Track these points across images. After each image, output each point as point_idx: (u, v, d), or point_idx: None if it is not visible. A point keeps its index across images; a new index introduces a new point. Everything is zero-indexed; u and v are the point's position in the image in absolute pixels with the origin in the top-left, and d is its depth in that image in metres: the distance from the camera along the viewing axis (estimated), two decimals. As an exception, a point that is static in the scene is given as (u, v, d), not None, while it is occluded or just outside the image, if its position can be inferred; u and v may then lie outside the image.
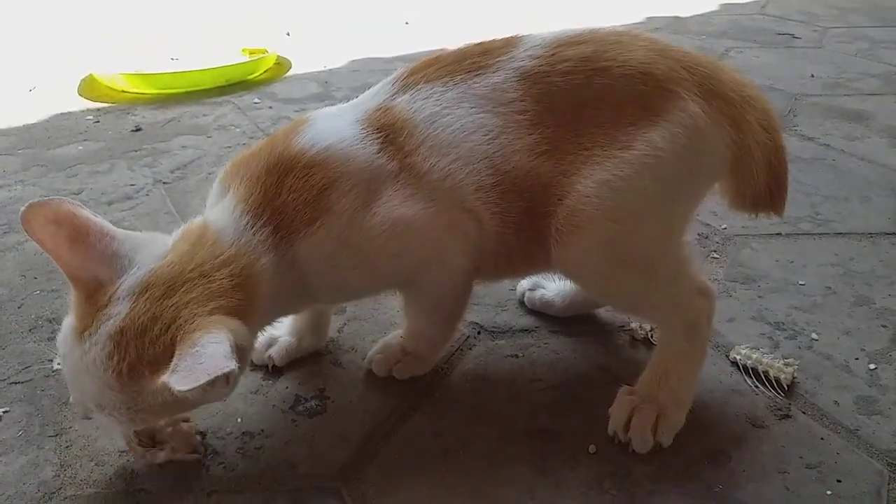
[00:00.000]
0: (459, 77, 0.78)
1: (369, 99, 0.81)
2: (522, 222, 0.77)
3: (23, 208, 0.68)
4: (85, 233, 0.69)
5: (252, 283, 0.72)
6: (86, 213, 0.70)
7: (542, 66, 0.76)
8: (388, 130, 0.77)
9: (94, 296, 0.69)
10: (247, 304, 0.71)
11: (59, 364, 0.95)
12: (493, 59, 0.78)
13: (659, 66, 0.76)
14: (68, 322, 0.71)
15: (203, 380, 0.59)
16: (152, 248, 0.72)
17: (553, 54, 0.77)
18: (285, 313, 0.86)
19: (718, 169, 0.79)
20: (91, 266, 0.69)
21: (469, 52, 0.80)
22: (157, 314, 0.67)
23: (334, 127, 0.78)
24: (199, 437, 0.82)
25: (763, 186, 0.80)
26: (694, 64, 0.78)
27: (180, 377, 0.61)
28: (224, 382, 0.63)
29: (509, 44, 0.80)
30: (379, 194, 0.75)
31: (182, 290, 0.68)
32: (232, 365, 0.61)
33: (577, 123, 0.75)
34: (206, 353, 0.62)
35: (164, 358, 0.65)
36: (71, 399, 0.75)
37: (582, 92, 0.75)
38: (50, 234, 0.69)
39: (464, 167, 0.75)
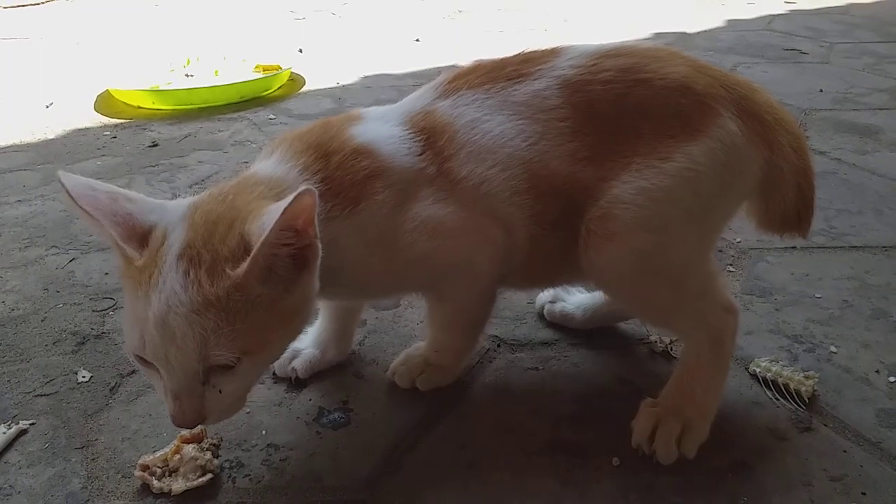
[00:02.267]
0: (500, 84, 0.79)
1: (412, 102, 0.83)
2: (559, 222, 0.78)
3: (60, 176, 0.67)
4: (117, 193, 0.69)
5: None
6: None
7: (583, 74, 0.78)
8: (429, 133, 0.78)
9: (144, 245, 0.67)
10: None
11: (83, 377, 0.96)
12: (534, 67, 0.80)
13: (698, 81, 0.77)
14: (127, 300, 0.68)
15: (276, 215, 0.60)
16: (184, 199, 0.73)
17: (594, 64, 0.78)
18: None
19: (751, 187, 0.80)
20: (135, 215, 0.67)
21: (510, 60, 0.82)
22: (218, 217, 0.66)
23: (383, 124, 0.80)
24: (209, 455, 0.81)
25: (792, 208, 0.81)
26: (731, 83, 0.79)
27: (265, 223, 0.61)
28: (310, 222, 0.63)
29: (550, 54, 0.81)
30: (415, 195, 0.77)
31: (228, 200, 0.69)
32: (299, 190, 0.60)
33: (617, 132, 0.76)
34: (273, 207, 0.64)
35: (240, 251, 0.64)
36: (170, 383, 0.66)
37: (623, 102, 0.77)
38: (89, 197, 0.66)
39: (501, 173, 0.77)
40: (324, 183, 0.74)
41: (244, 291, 0.64)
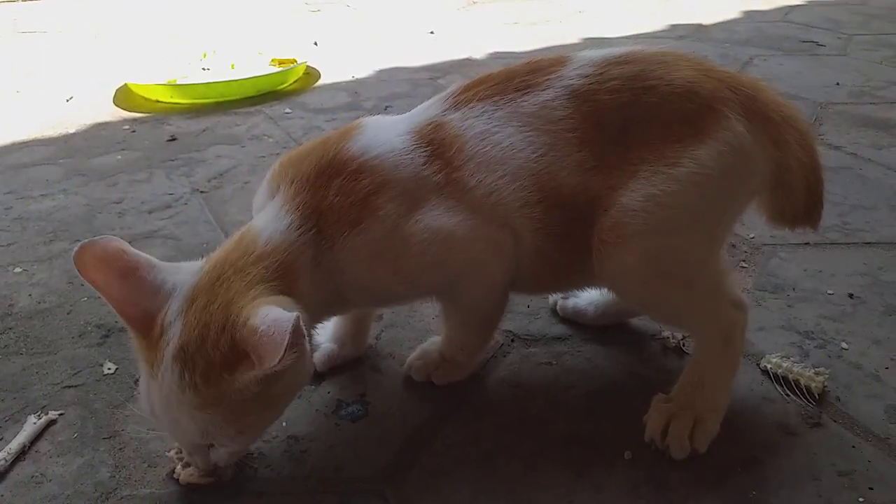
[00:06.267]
0: (509, 95, 0.80)
1: (421, 113, 0.84)
2: (566, 234, 0.79)
3: (74, 250, 0.70)
4: (135, 267, 0.72)
5: (291, 275, 0.74)
6: (132, 248, 0.73)
7: (591, 84, 0.79)
8: (436, 145, 0.80)
9: (150, 331, 0.71)
10: (288, 294, 0.73)
11: (109, 369, 0.99)
12: (543, 77, 0.81)
13: (704, 85, 0.78)
14: (140, 372, 0.74)
15: (283, 341, 0.62)
16: (189, 267, 0.75)
17: (602, 73, 0.79)
18: (321, 317, 0.87)
19: (759, 186, 0.81)
20: (141, 299, 0.71)
21: (518, 70, 0.83)
22: (208, 320, 0.69)
23: (385, 136, 0.81)
24: None
25: (801, 203, 0.82)
26: (737, 84, 0.80)
27: (266, 355, 0.63)
28: (301, 341, 0.65)
29: (558, 63, 0.82)
30: (422, 204, 0.78)
31: (222, 290, 0.70)
32: (292, 317, 0.63)
33: (625, 140, 0.77)
34: (268, 322, 0.65)
35: (234, 356, 0.67)
36: (186, 454, 0.78)
37: (630, 109, 0.78)
38: (101, 273, 0.71)
39: (510, 184, 0.78)
40: (320, 219, 0.76)
41: (241, 393, 0.68)
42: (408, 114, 0.86)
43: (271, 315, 0.66)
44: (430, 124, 0.81)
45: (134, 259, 0.72)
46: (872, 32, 2.58)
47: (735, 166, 0.77)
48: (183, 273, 0.74)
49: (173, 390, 0.69)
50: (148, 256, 0.74)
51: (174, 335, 0.69)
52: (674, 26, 2.69)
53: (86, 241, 0.71)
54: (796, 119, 0.82)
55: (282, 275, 0.73)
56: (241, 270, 0.72)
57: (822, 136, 1.66)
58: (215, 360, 0.68)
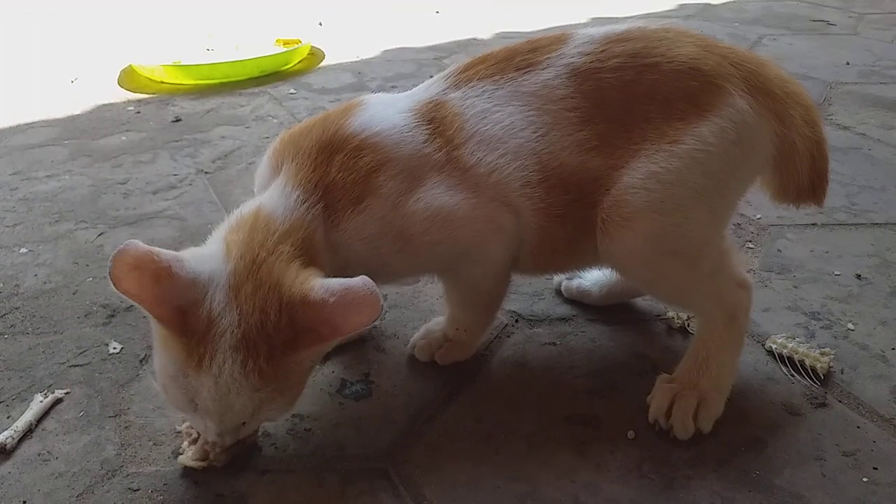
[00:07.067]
0: (510, 75, 0.80)
1: (422, 91, 0.84)
2: (569, 214, 0.79)
3: (109, 266, 0.66)
4: (167, 267, 0.68)
5: (312, 252, 0.75)
6: (158, 249, 0.69)
7: (592, 62, 0.78)
8: (437, 123, 0.79)
9: (187, 326, 0.69)
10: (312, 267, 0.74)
11: (114, 349, 0.99)
12: (543, 56, 0.80)
13: (707, 61, 0.78)
14: (170, 369, 0.71)
15: (378, 298, 0.66)
16: (209, 253, 0.73)
17: (603, 50, 0.78)
18: None
19: (763, 163, 0.80)
20: (177, 297, 0.69)
21: (519, 49, 0.82)
22: (263, 306, 0.69)
23: (386, 113, 0.80)
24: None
25: (806, 180, 0.82)
26: (740, 60, 0.79)
27: (360, 313, 0.67)
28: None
29: (559, 41, 0.81)
30: (423, 181, 0.78)
31: (264, 274, 0.70)
32: (365, 277, 0.66)
33: (627, 118, 0.77)
34: (336, 291, 0.67)
35: (293, 334, 0.69)
36: (216, 431, 0.73)
37: (632, 87, 0.77)
38: (135, 280, 0.67)
39: (511, 163, 0.77)
40: (324, 194, 0.76)
41: (302, 364, 0.72)
42: (409, 92, 0.85)
43: (334, 284, 0.68)
44: (430, 103, 0.81)
45: (165, 259, 0.68)
46: (884, 11, 2.55)
47: (738, 143, 0.76)
48: (207, 260, 0.72)
49: (235, 378, 0.68)
50: (174, 252, 0.70)
51: (229, 326, 0.68)
52: (682, 6, 2.66)
53: (114, 252, 0.66)
54: (800, 94, 0.81)
55: (306, 250, 0.74)
56: (272, 251, 0.72)
57: (830, 117, 1.65)
58: (278, 341, 0.69)
